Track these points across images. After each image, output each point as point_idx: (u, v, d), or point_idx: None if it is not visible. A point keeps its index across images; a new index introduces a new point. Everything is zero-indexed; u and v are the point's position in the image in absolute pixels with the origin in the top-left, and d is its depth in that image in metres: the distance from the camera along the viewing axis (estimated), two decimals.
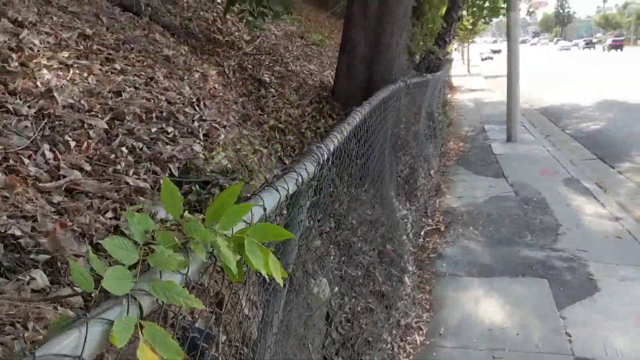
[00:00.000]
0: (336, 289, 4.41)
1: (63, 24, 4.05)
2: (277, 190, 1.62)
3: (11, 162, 2.40)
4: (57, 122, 2.85)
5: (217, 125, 3.79)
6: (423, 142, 9.00)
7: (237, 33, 7.17)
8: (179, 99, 3.81)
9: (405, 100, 7.67)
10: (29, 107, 2.79)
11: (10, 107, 2.73)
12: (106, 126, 2.86)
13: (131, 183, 2.53)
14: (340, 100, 6.29)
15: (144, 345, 0.89)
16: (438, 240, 6.64)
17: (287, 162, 5.35)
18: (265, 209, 1.47)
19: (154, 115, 3.24)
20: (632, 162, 11.25)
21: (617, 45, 68.11)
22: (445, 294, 5.37)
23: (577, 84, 28.52)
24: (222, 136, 3.69)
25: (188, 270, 1.07)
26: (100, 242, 1.03)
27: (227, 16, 6.90)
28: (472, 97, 25.16)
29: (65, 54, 3.57)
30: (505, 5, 24.87)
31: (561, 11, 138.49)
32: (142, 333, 0.89)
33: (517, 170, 10.32)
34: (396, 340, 4.47)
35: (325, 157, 2.23)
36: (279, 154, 5.33)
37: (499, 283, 5.56)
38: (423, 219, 7.21)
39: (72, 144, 2.71)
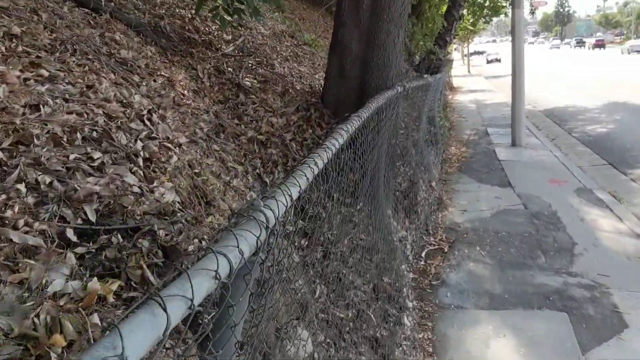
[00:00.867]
0: (321, 336, 3.67)
1: None
2: (165, 309, 0.87)
3: None
4: None
5: (169, 145, 3.04)
6: (424, 150, 8.25)
7: (216, 32, 6.41)
8: (124, 112, 3.06)
9: (404, 106, 6.92)
10: None
11: None
12: (1, 155, 2.12)
13: (16, 240, 1.80)
14: (331, 107, 5.54)
15: None
16: (441, 264, 5.89)
17: (267, 180, 4.60)
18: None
19: (79, 135, 2.50)
20: None
21: (599, 45, 75.83)
22: (449, 333, 4.62)
23: (570, 83, 27.78)
24: (175, 158, 2.94)
25: None
26: None
27: (207, 14, 6.15)
28: (473, 98, 24.40)
29: None
30: (506, 4, 24.15)
31: (561, 10, 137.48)
32: None
33: (524, 178, 9.57)
34: None
35: (278, 214, 1.49)
36: (257, 170, 4.58)
37: (512, 318, 4.81)
38: (424, 237, 6.46)
39: None
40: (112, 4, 5.11)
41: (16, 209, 1.96)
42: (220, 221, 2.79)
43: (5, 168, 2.12)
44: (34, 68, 2.97)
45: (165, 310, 0.85)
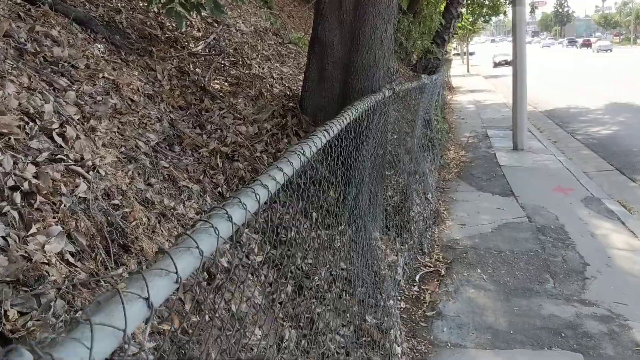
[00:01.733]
0: None
1: None
2: None
3: None
4: None
5: (80, 168, 2.32)
6: (419, 157, 7.53)
7: (185, 29, 5.70)
8: (24, 126, 2.35)
9: (396, 110, 6.21)
10: None
11: None
12: None
13: None
14: (310, 113, 4.83)
15: None
16: (437, 290, 5.17)
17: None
18: None
19: None
20: None
21: (586, 44, 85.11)
22: None
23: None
24: (84, 187, 2.22)
25: None
26: None
27: (158, 8, 5.42)
28: (472, 98, 23.66)
29: None
30: (506, 2, 23.43)
31: (560, 10, 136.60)
32: None
33: (527, 186, 8.85)
34: None
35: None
36: (220, 189, 3.86)
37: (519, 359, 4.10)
38: (418, 257, 5.74)
39: None
40: None
41: None
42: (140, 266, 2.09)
43: None
44: None
45: None
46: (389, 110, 5.10)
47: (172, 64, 4.77)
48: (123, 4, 5.29)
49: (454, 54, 40.40)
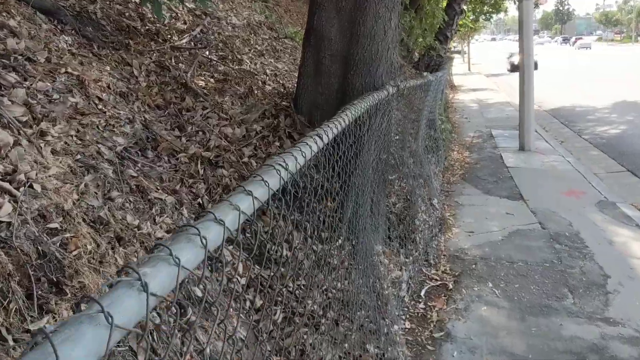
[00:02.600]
0: None
1: None
2: None
3: None
4: None
5: (7, 184, 1.84)
6: (423, 159, 7.04)
7: (168, 20, 5.20)
8: None
9: (399, 109, 5.72)
10: None
11: None
12: None
13: None
14: (305, 112, 4.34)
15: None
16: (445, 307, 4.68)
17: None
18: None
19: None
20: None
21: (566, 39, 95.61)
22: None
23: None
24: (8, 208, 1.74)
25: None
26: None
27: None
28: (474, 97, 23.15)
29: None
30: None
31: (561, 9, 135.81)
32: None
33: (537, 189, 8.35)
34: None
35: None
36: (200, 200, 3.37)
37: None
38: (424, 270, 5.25)
39: None
40: None
41: None
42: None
43: None
44: None
45: None
46: (393, 110, 4.61)
47: (152, 59, 4.28)
48: None
49: (452, 52, 36.44)
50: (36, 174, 2.02)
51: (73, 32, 3.94)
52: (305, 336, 3.05)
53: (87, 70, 3.43)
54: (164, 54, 4.51)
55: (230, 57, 5.41)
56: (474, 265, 5.44)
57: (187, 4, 5.61)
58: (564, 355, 3.96)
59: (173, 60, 4.53)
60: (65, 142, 2.59)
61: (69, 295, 1.67)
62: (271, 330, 3.04)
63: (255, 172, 1.64)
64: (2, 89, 2.63)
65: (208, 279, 2.66)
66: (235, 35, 6.14)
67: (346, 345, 3.18)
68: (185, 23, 5.40)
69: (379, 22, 3.94)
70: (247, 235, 3.50)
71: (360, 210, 3.95)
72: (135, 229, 2.44)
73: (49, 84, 2.99)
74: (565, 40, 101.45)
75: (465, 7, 19.21)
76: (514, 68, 34.19)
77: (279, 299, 3.22)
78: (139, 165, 3.10)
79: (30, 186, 1.92)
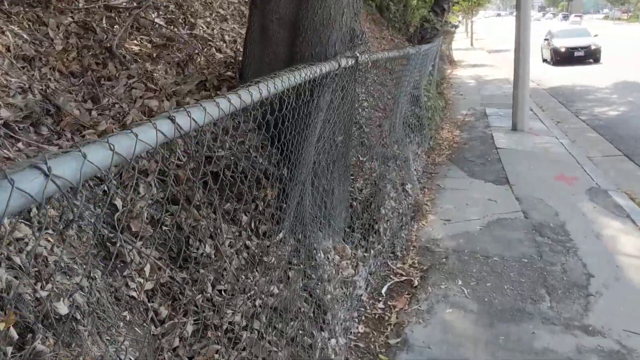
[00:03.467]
0: None
1: None
2: None
3: None
4: None
5: None
6: (402, 140, 6.47)
7: None
8: None
9: (365, 85, 5.13)
10: None
11: None
12: None
13: None
14: None
15: None
16: (406, 307, 4.16)
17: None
18: None
19: None
20: None
21: (565, 16, 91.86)
22: None
23: None
24: None
25: None
26: None
27: None
28: (473, 73, 22.40)
29: None
30: None
31: None
32: None
33: (525, 173, 7.79)
34: None
35: None
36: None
37: None
38: (389, 263, 4.73)
39: None
40: None
41: None
42: None
43: None
44: None
45: None
46: (355, 86, 4.02)
47: (74, 19, 3.68)
48: None
49: (452, 26, 31.65)
50: None
51: None
52: (216, 355, 2.53)
53: None
54: (93, 14, 3.91)
55: (181, 20, 4.80)
56: (444, 259, 4.91)
57: None
58: None
59: (104, 22, 3.93)
60: None
61: None
62: (176, 347, 2.52)
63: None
64: None
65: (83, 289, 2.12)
66: None
67: None
68: None
69: None
70: (165, 228, 2.96)
71: (306, 199, 3.41)
72: None
73: None
74: (565, 17, 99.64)
75: None
76: (558, 56, 23.75)
77: (192, 307, 2.69)
78: (22, 144, 2.54)
79: None
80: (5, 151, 2.42)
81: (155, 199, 3.03)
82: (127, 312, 2.44)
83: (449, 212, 6.14)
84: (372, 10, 12.62)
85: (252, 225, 3.29)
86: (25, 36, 3.30)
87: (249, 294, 2.88)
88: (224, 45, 4.96)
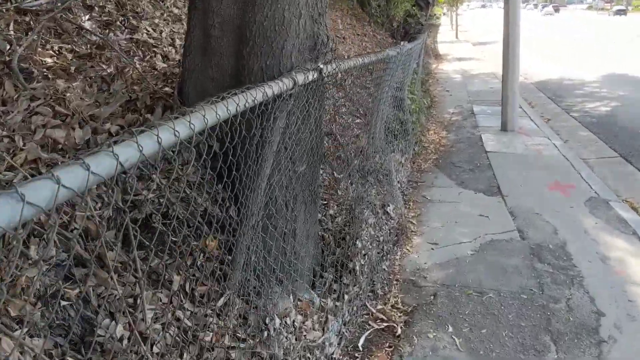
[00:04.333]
0: None
1: None
2: None
3: None
4: None
5: None
6: (383, 150, 5.74)
7: None
8: None
9: (338, 97, 4.39)
10: None
11: None
12: None
13: None
14: (193, 102, 3.02)
15: None
16: None
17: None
18: None
19: None
20: None
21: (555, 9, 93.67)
22: None
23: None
24: None
25: None
26: None
27: None
28: (459, 67, 21.67)
29: None
30: None
31: None
32: None
33: (518, 181, 7.11)
34: None
35: None
36: None
37: None
38: (367, 304, 4.00)
39: None
40: None
41: None
42: None
43: None
44: None
45: None
46: (322, 102, 3.27)
47: None
48: None
49: (436, 19, 30.94)
50: None
51: None
52: None
53: None
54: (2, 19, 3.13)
55: (119, 22, 4.02)
56: (432, 297, 4.19)
57: None
58: None
59: (11, 28, 3.15)
60: None
61: None
62: None
63: None
64: None
65: None
66: None
67: None
68: None
69: None
70: (65, 303, 2.22)
71: (259, 248, 2.67)
72: None
73: None
74: (544, 7, 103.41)
75: None
76: None
77: None
78: None
79: None
80: None
81: (54, 263, 2.29)
82: None
83: (436, 233, 5.42)
84: (353, 5, 11.85)
85: (187, 287, 2.55)
86: None
87: None
88: (173, 51, 4.19)
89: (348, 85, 5.29)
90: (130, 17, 4.18)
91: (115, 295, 2.31)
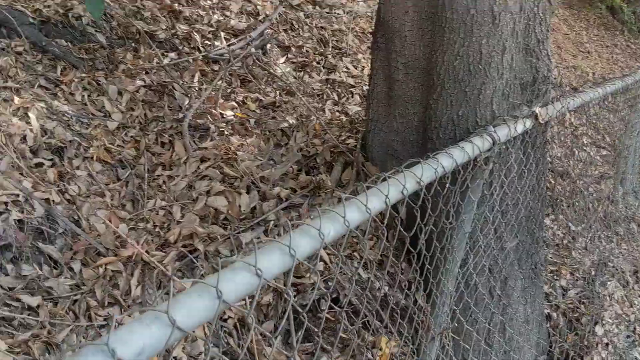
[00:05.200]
0: None
1: None
2: None
3: None
4: None
5: None
6: (637, 188, 4.61)
7: (220, 19, 3.61)
8: None
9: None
10: None
11: None
12: None
13: None
14: (377, 160, 2.48)
15: None
16: None
17: None
18: None
19: None
20: None
21: None
22: None
23: None
24: None
25: None
26: None
27: None
28: None
29: None
30: None
31: None
32: None
33: None
34: None
35: None
36: None
37: None
38: None
39: None
40: None
41: None
42: None
43: None
44: None
45: None
46: (539, 157, 2.49)
47: (146, 82, 2.79)
48: None
49: None
50: None
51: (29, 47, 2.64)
52: None
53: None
54: (182, 70, 3.00)
55: (317, 62, 3.70)
56: None
57: None
58: None
59: (195, 80, 2.99)
60: None
61: None
62: None
63: None
64: None
65: None
66: (346, 28, 4.37)
67: None
68: (256, 15, 3.80)
69: None
70: None
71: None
72: None
73: None
74: None
75: None
76: None
77: None
78: None
79: None
80: None
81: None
82: None
83: None
84: (601, 13, 10.22)
85: None
86: (70, 111, 2.49)
87: None
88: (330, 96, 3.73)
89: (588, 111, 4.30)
90: (329, 56, 3.84)
91: None
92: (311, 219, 1.14)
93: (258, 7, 3.91)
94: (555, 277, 3.32)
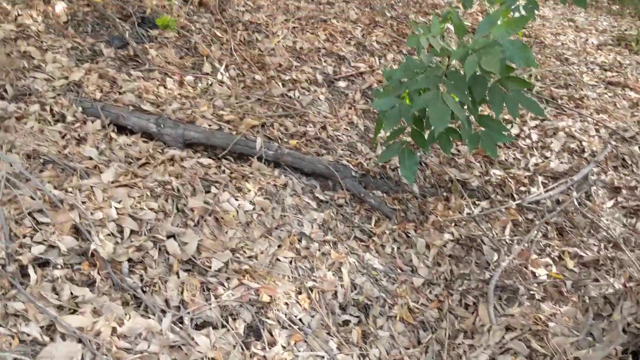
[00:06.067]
0: None
1: None
2: None
3: None
4: None
5: None
6: None
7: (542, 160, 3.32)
8: None
9: None
10: None
11: None
12: None
13: None
14: None
15: None
16: None
17: None
18: None
19: None
20: None
21: None
22: None
23: None
24: None
25: None
26: None
27: None
28: None
29: None
30: None
31: None
32: None
33: None
34: None
35: None
36: None
37: None
38: None
39: None
40: None
41: None
42: None
43: None
44: None
45: None
46: None
47: (454, 235, 2.72)
48: None
49: None
50: None
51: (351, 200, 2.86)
52: None
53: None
54: (492, 221, 2.85)
55: None
56: None
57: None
58: None
59: (507, 232, 2.81)
60: None
61: None
62: None
63: None
64: None
65: None
66: None
67: None
68: (580, 152, 3.43)
69: None
70: None
71: None
72: None
73: None
74: None
75: None
76: None
77: None
78: None
79: None
80: None
81: None
82: None
83: None
84: None
85: None
86: (379, 265, 2.55)
87: None
88: None
89: None
90: None
91: None
92: None
93: (583, 142, 3.58)
94: None
